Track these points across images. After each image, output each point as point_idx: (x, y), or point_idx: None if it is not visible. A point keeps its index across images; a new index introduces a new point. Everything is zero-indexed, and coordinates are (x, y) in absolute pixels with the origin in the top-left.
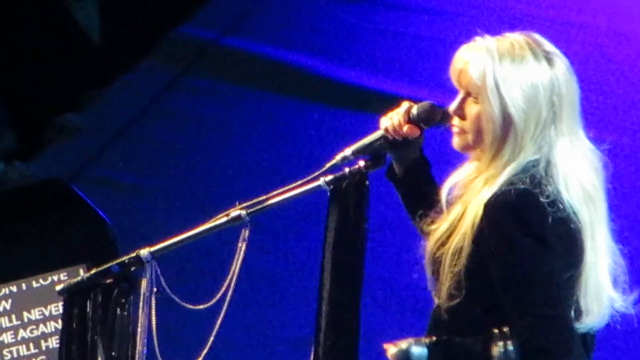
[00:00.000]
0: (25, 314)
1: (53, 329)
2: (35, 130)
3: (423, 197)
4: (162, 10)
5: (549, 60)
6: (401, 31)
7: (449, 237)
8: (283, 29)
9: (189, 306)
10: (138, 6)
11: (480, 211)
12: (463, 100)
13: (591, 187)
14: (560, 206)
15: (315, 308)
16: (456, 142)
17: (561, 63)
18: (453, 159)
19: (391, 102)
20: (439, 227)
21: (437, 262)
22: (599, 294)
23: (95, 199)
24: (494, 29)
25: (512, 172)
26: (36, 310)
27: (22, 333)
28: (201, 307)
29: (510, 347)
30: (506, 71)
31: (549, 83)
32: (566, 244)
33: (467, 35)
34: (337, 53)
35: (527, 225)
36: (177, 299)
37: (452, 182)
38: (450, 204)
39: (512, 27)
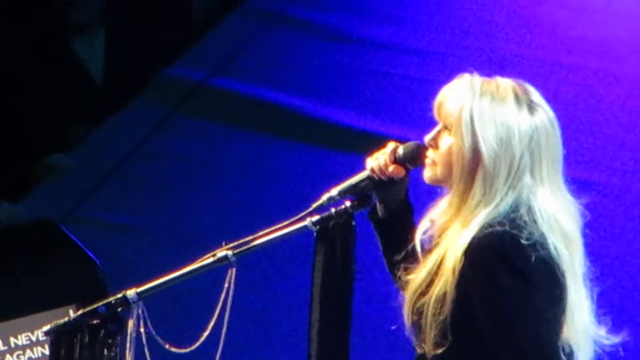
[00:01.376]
0: (12, 340)
1: (40, 354)
2: (25, 171)
3: (401, 243)
4: (151, 51)
5: (532, 108)
6: (390, 72)
7: (428, 285)
8: (272, 69)
9: (174, 349)
10: (128, 47)
11: (460, 256)
12: (439, 132)
13: (571, 232)
14: (540, 248)
15: (305, 349)
16: (426, 173)
17: (544, 114)
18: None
19: (380, 142)
20: (417, 276)
21: (418, 313)
22: (586, 329)
23: (84, 239)
24: (483, 70)
25: (490, 216)
26: (23, 335)
27: (8, 358)
28: (186, 350)
29: None
30: (484, 108)
31: (527, 129)
32: (549, 282)
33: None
34: (326, 93)
35: (511, 266)
36: (161, 341)
37: (425, 226)
38: (426, 250)
39: (502, 68)
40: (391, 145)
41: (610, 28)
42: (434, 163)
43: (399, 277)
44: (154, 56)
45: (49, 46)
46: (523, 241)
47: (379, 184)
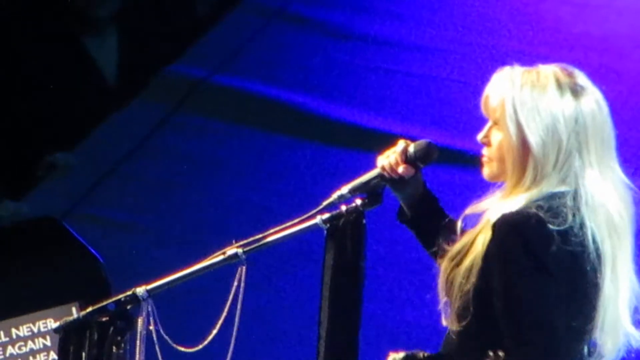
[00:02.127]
0: (13, 331)
1: (41, 345)
2: (27, 169)
3: (436, 232)
4: (153, 48)
5: (575, 92)
6: (393, 68)
7: (462, 258)
8: (274, 66)
9: (181, 348)
10: (129, 44)
11: (488, 234)
12: (489, 129)
13: (618, 219)
14: (574, 239)
15: (310, 346)
16: (484, 171)
17: (589, 95)
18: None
19: (383, 139)
20: (453, 248)
21: (449, 283)
22: (615, 329)
23: (87, 236)
24: (485, 67)
25: (531, 198)
26: (24, 326)
27: (10, 349)
28: (193, 349)
29: None
30: (525, 99)
31: (572, 113)
32: (571, 275)
33: (458, 73)
34: (328, 90)
35: (530, 248)
36: (169, 340)
37: (473, 210)
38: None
39: (504, 65)
40: (402, 143)
41: (612, 24)
42: (490, 160)
43: (436, 253)
44: (158, 54)
45: (60, 44)
46: (552, 227)
47: (390, 182)
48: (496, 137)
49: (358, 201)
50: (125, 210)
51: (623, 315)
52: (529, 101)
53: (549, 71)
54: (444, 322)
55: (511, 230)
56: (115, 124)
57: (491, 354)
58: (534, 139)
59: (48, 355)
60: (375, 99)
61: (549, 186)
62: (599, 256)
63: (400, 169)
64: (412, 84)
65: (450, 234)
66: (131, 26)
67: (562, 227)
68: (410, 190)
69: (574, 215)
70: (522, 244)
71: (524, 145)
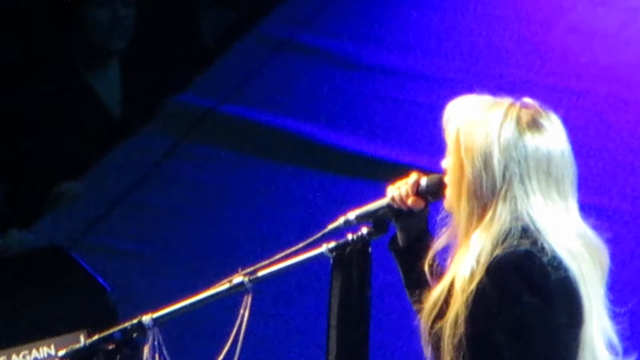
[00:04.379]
0: (13, 357)
1: (45, 349)
2: (34, 198)
3: (422, 272)
4: (160, 79)
5: (520, 124)
6: (400, 98)
7: (441, 309)
8: (282, 95)
9: None
10: (135, 75)
11: (475, 277)
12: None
13: (575, 248)
14: (558, 266)
15: None
16: (445, 201)
17: (540, 131)
18: None
19: (391, 168)
20: (428, 300)
21: (435, 337)
22: (595, 355)
23: (94, 265)
24: (493, 96)
25: (491, 234)
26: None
27: (14, 357)
28: None
29: None
30: (468, 127)
31: (510, 142)
32: (569, 304)
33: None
34: (335, 119)
35: (533, 285)
36: None
37: (435, 251)
38: (438, 275)
39: (511, 94)
40: (414, 176)
41: (620, 54)
42: (446, 186)
43: (417, 305)
44: (166, 84)
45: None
46: (544, 260)
47: (397, 213)
48: (447, 163)
49: (364, 230)
50: (132, 239)
51: (598, 342)
52: (471, 125)
53: (505, 103)
54: None
55: (509, 270)
56: (123, 153)
57: None
58: (468, 164)
59: None
60: (382, 128)
61: (499, 218)
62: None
63: (410, 201)
64: (420, 114)
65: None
66: (138, 56)
67: (547, 258)
68: (413, 224)
69: (544, 245)
70: (525, 284)
71: (460, 169)
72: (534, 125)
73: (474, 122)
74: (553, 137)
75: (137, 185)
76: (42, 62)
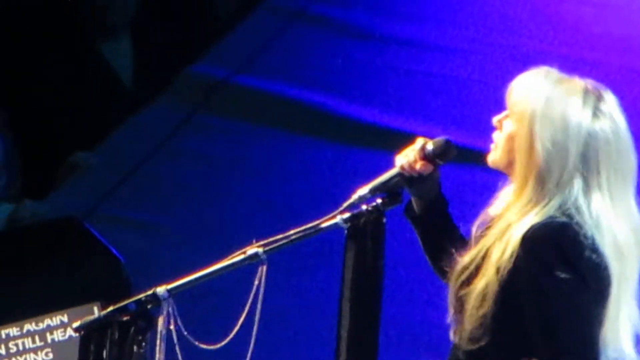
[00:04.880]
0: (26, 326)
1: (58, 322)
2: (48, 169)
3: (440, 236)
4: (174, 49)
5: (596, 114)
6: (413, 69)
7: (471, 276)
8: (295, 67)
9: (204, 346)
10: (149, 46)
11: (508, 250)
12: (505, 116)
13: (624, 245)
14: (596, 251)
15: (330, 347)
16: (489, 156)
17: (609, 122)
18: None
19: (404, 139)
20: (460, 264)
21: (460, 302)
22: (618, 346)
23: (107, 236)
24: (506, 67)
25: (538, 216)
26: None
27: (27, 326)
28: (216, 346)
29: None
30: (545, 106)
31: (584, 134)
32: (599, 284)
33: (479, 73)
34: (349, 90)
35: (567, 260)
36: (191, 339)
37: (483, 218)
38: (476, 240)
39: (524, 65)
40: (420, 141)
41: (633, 24)
42: (496, 146)
43: (442, 268)
44: (179, 55)
45: (78, 49)
46: (581, 238)
47: (409, 180)
48: (508, 126)
49: (378, 201)
50: (147, 210)
51: (624, 337)
52: (547, 109)
53: (579, 86)
54: (453, 337)
55: (546, 243)
56: (137, 124)
57: None
58: (541, 149)
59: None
60: (395, 99)
61: (552, 205)
62: (609, 275)
63: (419, 166)
64: (433, 84)
65: (454, 241)
66: (152, 27)
67: (588, 239)
68: (425, 189)
69: (587, 229)
70: (558, 257)
71: (530, 150)
72: (605, 117)
73: (552, 108)
74: (621, 131)
75: (151, 157)
76: (56, 34)
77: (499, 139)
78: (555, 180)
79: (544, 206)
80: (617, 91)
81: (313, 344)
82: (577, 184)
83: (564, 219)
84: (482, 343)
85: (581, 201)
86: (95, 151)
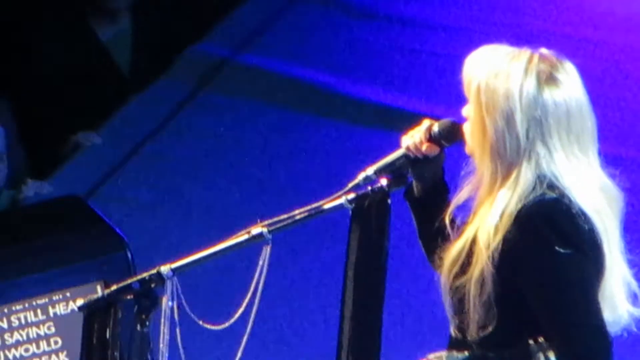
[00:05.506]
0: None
1: (60, 296)
2: (52, 148)
3: (436, 222)
4: (177, 28)
5: (541, 79)
6: (417, 48)
7: (464, 265)
8: (299, 45)
9: (208, 326)
10: (152, 25)
11: (497, 232)
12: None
13: (599, 203)
14: (584, 217)
15: (333, 325)
16: (466, 145)
17: (558, 86)
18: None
19: (408, 118)
20: (449, 255)
21: (457, 293)
22: (614, 304)
23: (111, 215)
24: (510, 46)
25: (517, 192)
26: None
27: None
28: (220, 327)
29: (553, 358)
30: (490, 82)
31: (531, 101)
32: (596, 252)
33: None
34: (352, 70)
35: (565, 235)
36: (195, 318)
37: (457, 204)
38: (458, 228)
39: (528, 44)
40: (426, 122)
41: (637, 3)
42: (467, 134)
43: (435, 257)
44: (181, 34)
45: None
46: (572, 210)
47: (414, 161)
48: (469, 112)
49: (383, 181)
50: (150, 189)
51: (619, 291)
52: (492, 84)
53: (525, 56)
54: (453, 332)
55: (540, 220)
56: (140, 104)
57: (532, 342)
58: (489, 121)
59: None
60: (399, 78)
61: (525, 177)
62: (600, 238)
63: (424, 148)
64: (437, 64)
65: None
66: (153, 6)
67: (575, 210)
68: (429, 172)
69: (570, 199)
70: (555, 233)
71: (482, 125)
72: (552, 80)
73: (495, 80)
74: (571, 91)
75: (154, 136)
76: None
77: (466, 126)
78: (512, 151)
79: (515, 179)
80: (620, 69)
81: (318, 323)
82: (541, 152)
83: (552, 194)
84: (490, 328)
85: (553, 168)
86: (98, 130)
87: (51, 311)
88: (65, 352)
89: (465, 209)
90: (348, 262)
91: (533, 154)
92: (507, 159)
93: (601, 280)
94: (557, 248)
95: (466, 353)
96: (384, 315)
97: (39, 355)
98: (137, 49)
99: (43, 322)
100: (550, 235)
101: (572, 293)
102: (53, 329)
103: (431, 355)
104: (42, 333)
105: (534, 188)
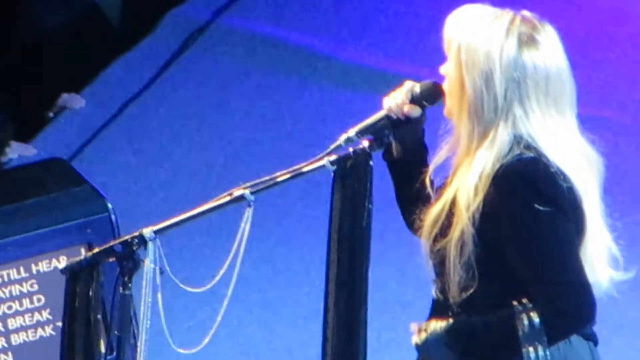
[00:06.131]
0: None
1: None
2: (35, 111)
3: (415, 184)
4: None
5: (522, 41)
6: (402, 10)
7: (443, 227)
8: (282, 7)
9: (190, 289)
10: None
11: (476, 192)
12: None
13: (577, 164)
14: (564, 176)
15: (316, 287)
16: (445, 106)
17: (538, 48)
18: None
19: (392, 80)
20: (429, 217)
21: (438, 256)
22: (594, 267)
23: (94, 178)
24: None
25: (493, 153)
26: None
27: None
28: (201, 289)
29: (536, 319)
30: (470, 40)
31: (510, 61)
32: (576, 212)
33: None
34: (337, 32)
35: (543, 194)
36: (177, 281)
37: (435, 165)
38: (437, 190)
39: (512, 5)
40: (408, 83)
41: None
42: (445, 93)
43: (414, 220)
44: None
45: None
46: (551, 169)
47: (396, 123)
48: (447, 70)
49: (365, 143)
50: (134, 151)
51: (599, 255)
52: (473, 43)
53: (506, 17)
54: (435, 294)
55: (518, 180)
56: (123, 66)
57: (516, 304)
58: (468, 80)
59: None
60: (384, 40)
61: (502, 138)
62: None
63: (406, 109)
64: (421, 26)
65: (428, 195)
66: None
67: (553, 166)
68: (409, 133)
69: (548, 158)
70: (535, 193)
71: (461, 84)
72: (533, 42)
73: (476, 39)
74: (551, 55)
75: (138, 98)
76: None
77: (445, 85)
78: (490, 111)
79: (492, 139)
80: (604, 31)
81: (301, 284)
82: (517, 112)
83: (530, 154)
84: (472, 290)
85: (529, 128)
86: (81, 93)
87: (34, 269)
88: (48, 310)
89: (444, 169)
90: (332, 224)
91: (510, 114)
92: (484, 119)
93: (582, 241)
94: (536, 206)
95: (451, 320)
96: (369, 276)
97: (22, 313)
98: (125, 6)
99: (26, 279)
100: (529, 193)
101: (553, 250)
102: (36, 287)
103: (415, 326)
104: (24, 290)
105: (510, 149)
